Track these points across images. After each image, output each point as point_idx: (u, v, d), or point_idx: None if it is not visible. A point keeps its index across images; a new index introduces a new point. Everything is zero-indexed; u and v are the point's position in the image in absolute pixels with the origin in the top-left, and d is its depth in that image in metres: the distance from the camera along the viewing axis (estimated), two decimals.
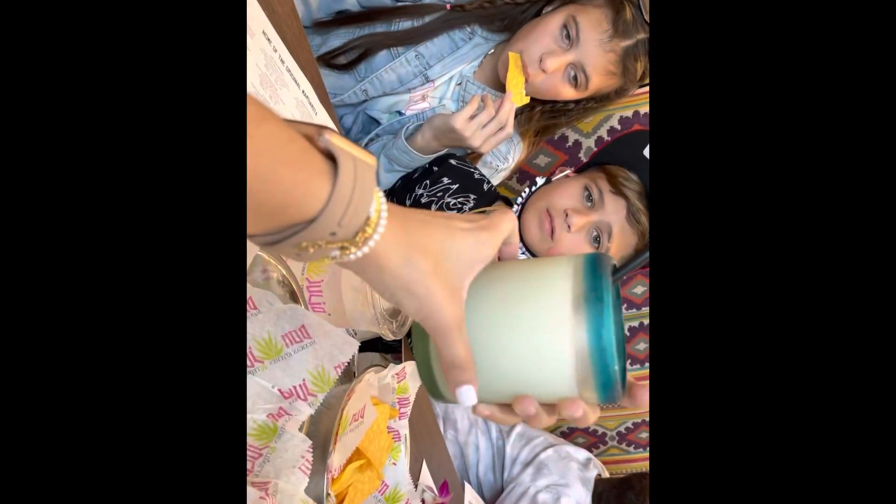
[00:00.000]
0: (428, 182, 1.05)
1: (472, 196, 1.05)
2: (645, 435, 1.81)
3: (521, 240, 1.01)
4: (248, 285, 0.51)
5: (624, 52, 0.95)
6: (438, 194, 1.04)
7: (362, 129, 1.11)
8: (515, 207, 1.03)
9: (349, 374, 0.67)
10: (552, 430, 1.73)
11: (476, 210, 1.05)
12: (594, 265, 0.35)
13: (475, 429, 1.41)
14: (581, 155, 1.43)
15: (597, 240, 0.96)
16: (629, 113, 1.37)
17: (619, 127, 1.39)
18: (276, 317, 0.51)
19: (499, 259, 0.40)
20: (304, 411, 0.51)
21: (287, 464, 0.48)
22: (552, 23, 0.96)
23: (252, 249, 0.51)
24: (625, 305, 1.64)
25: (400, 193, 1.07)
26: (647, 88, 1.19)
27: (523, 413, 0.36)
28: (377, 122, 1.09)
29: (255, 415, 0.50)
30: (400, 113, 1.08)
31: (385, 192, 1.12)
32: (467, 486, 1.09)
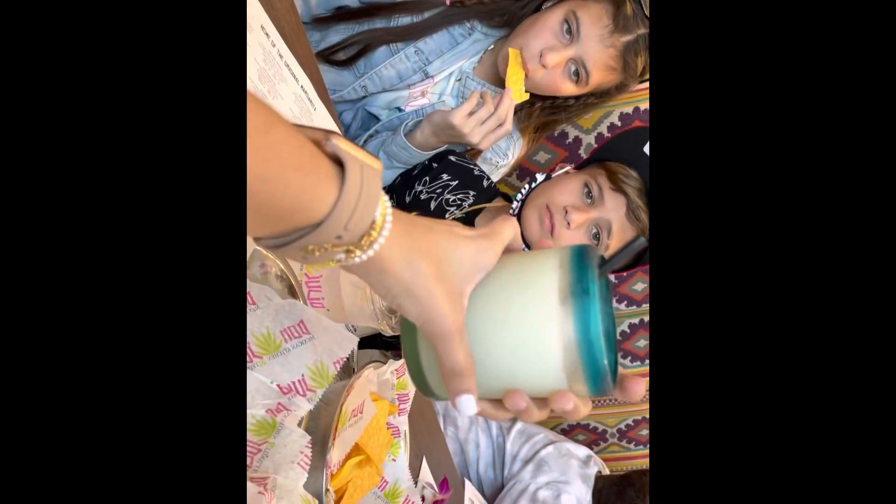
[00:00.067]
0: (427, 178, 1.04)
1: (472, 192, 1.05)
2: (645, 432, 1.81)
3: (522, 237, 1.00)
4: (247, 280, 0.51)
5: (624, 48, 0.94)
6: (438, 191, 1.04)
7: (361, 125, 1.11)
8: (515, 204, 1.02)
9: (348, 370, 0.67)
10: (552, 427, 1.73)
11: (475, 206, 1.05)
12: (580, 257, 0.35)
13: (475, 426, 1.41)
14: (581, 151, 1.43)
15: (596, 237, 0.96)
16: (629, 109, 1.37)
17: (619, 123, 1.39)
18: (275, 312, 0.51)
19: None
20: (303, 407, 0.51)
21: (286, 459, 0.48)
22: (552, 18, 0.95)
23: (250, 244, 0.50)
24: (625, 302, 1.63)
25: (399, 190, 1.06)
26: (647, 84, 1.19)
27: (514, 408, 0.36)
28: (376, 119, 1.09)
29: (254, 410, 0.50)
30: (399, 109, 1.08)
31: (384, 188, 1.12)
32: (467, 483, 1.09)
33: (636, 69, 0.97)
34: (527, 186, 1.03)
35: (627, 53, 0.95)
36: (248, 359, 0.50)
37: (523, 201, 1.02)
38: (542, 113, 1.08)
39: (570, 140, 1.42)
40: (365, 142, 1.08)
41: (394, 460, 0.69)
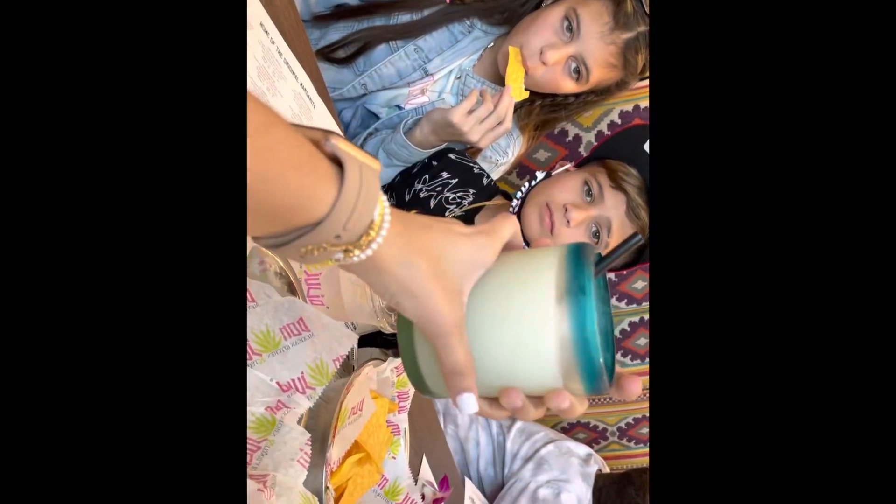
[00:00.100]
0: (427, 177, 1.04)
1: (472, 190, 1.05)
2: (645, 430, 1.81)
3: (522, 234, 1.00)
4: (247, 278, 0.51)
5: (625, 45, 0.94)
6: (437, 189, 1.04)
7: (361, 123, 1.11)
8: (515, 202, 1.02)
9: (348, 368, 0.67)
10: (552, 426, 1.73)
11: (475, 204, 1.04)
12: (577, 255, 0.35)
13: (475, 424, 1.41)
14: (581, 149, 1.43)
15: (596, 235, 0.96)
16: (629, 107, 1.36)
17: (619, 121, 1.38)
18: (274, 309, 0.51)
19: None
20: (303, 404, 0.51)
21: (285, 456, 0.48)
22: (553, 15, 0.95)
23: (249, 241, 0.50)
24: (625, 300, 1.63)
25: (399, 188, 1.06)
26: (647, 82, 1.19)
27: (510, 405, 0.36)
28: (376, 117, 1.09)
29: (254, 408, 0.50)
30: (399, 107, 1.07)
31: (384, 187, 1.12)
32: (468, 482, 1.09)
33: (637, 66, 0.97)
34: (527, 184, 1.03)
35: (628, 51, 0.95)
36: (247, 356, 0.50)
37: (523, 199, 1.01)
38: (542, 111, 1.08)
39: (570, 138, 1.42)
40: (364, 140, 1.08)
41: (394, 458, 0.69)
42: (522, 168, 1.45)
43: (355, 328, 0.66)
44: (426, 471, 0.85)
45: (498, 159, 1.12)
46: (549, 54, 0.94)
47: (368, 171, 0.30)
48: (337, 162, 0.30)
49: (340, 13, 1.03)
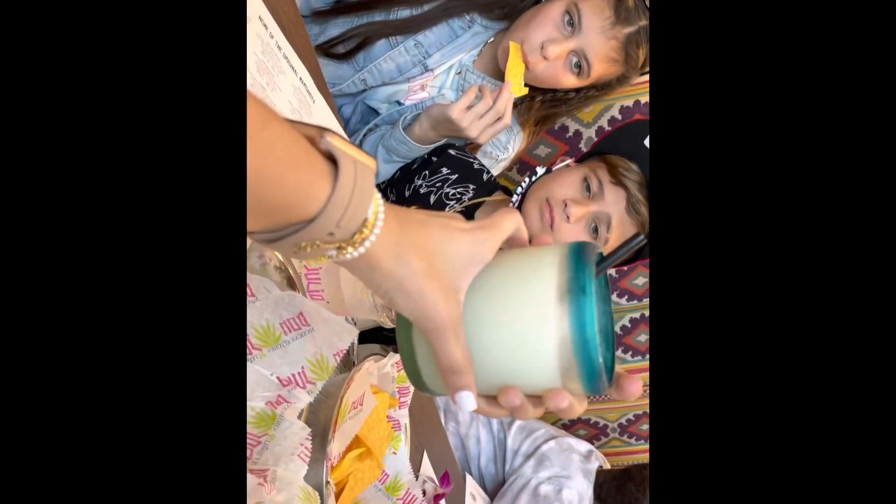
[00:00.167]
0: (427, 172, 1.04)
1: (472, 186, 1.04)
2: (646, 427, 1.81)
3: None
4: (246, 272, 0.51)
5: (626, 39, 0.94)
6: (437, 184, 1.04)
7: (361, 119, 1.10)
8: (515, 197, 1.02)
9: (348, 364, 0.67)
10: (553, 422, 1.73)
11: (475, 199, 1.04)
12: (578, 254, 0.35)
13: (476, 421, 1.41)
14: (581, 145, 1.42)
15: (595, 230, 0.96)
16: (630, 102, 1.36)
17: (619, 117, 1.38)
18: (274, 304, 0.51)
19: None
20: (303, 399, 0.51)
21: (286, 451, 0.48)
22: (554, 10, 0.95)
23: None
24: (625, 297, 1.63)
25: (399, 184, 1.06)
26: (648, 77, 1.18)
27: (508, 404, 0.35)
28: (376, 113, 1.09)
29: (254, 402, 0.50)
30: (399, 103, 1.07)
31: (384, 183, 1.12)
32: (468, 478, 1.08)
33: (638, 61, 0.97)
34: (527, 180, 1.03)
35: (629, 45, 0.94)
36: (247, 351, 0.50)
37: (523, 195, 1.01)
38: (542, 106, 1.08)
39: (570, 134, 1.42)
40: (364, 136, 1.07)
41: (394, 453, 0.69)
42: (523, 164, 1.45)
43: (355, 323, 0.66)
44: (427, 467, 0.85)
45: (498, 155, 1.12)
46: (550, 49, 0.94)
47: (363, 168, 0.30)
48: (332, 159, 0.30)
49: (340, 8, 1.03)
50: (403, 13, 1.01)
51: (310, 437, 0.50)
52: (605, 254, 0.38)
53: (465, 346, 0.34)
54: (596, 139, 1.40)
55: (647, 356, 1.69)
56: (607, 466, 1.43)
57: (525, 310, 0.34)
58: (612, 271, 1.57)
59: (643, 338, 1.67)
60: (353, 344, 0.68)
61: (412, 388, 0.72)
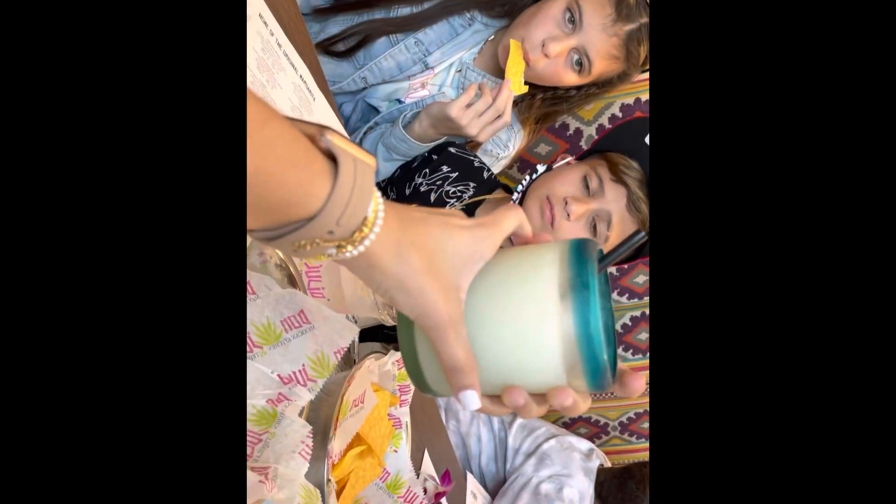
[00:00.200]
0: (427, 171, 1.04)
1: (472, 184, 1.04)
2: (647, 425, 1.81)
3: None
4: (247, 270, 0.51)
5: (627, 36, 0.94)
6: (438, 183, 1.04)
7: (361, 117, 1.10)
8: (516, 195, 1.02)
9: (349, 362, 0.67)
10: (554, 421, 1.73)
11: (476, 197, 1.04)
12: (580, 251, 0.35)
13: (477, 420, 1.41)
14: (582, 143, 1.42)
15: (596, 228, 0.96)
16: (630, 100, 1.36)
17: (620, 114, 1.38)
18: (275, 302, 0.50)
19: None
20: (304, 396, 0.51)
21: (287, 449, 0.48)
22: (555, 7, 0.95)
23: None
24: (626, 295, 1.63)
25: (399, 183, 1.06)
26: (648, 74, 1.18)
27: (512, 404, 0.35)
28: (376, 111, 1.08)
29: (255, 400, 0.50)
30: (399, 101, 1.07)
31: (384, 181, 1.12)
32: (469, 476, 1.08)
33: (639, 58, 0.97)
34: (528, 178, 1.03)
35: (630, 42, 0.94)
36: (248, 349, 0.50)
37: (524, 192, 1.01)
38: (542, 104, 1.08)
39: (570, 132, 1.42)
40: (364, 134, 1.07)
41: (395, 451, 0.68)
42: (523, 162, 1.45)
43: (356, 321, 0.66)
44: (428, 465, 0.85)
45: (499, 153, 1.12)
46: (551, 46, 0.94)
47: (363, 166, 0.30)
48: (332, 157, 0.29)
49: (340, 6, 1.03)
50: (404, 11, 1.01)
51: (311, 435, 0.49)
52: (605, 251, 0.38)
53: (467, 344, 0.34)
54: (596, 137, 1.39)
55: (648, 354, 1.69)
56: (608, 465, 1.43)
57: (528, 307, 0.34)
58: (612, 269, 1.56)
59: (644, 336, 1.67)
60: (353, 342, 0.68)
61: (413, 387, 0.72)
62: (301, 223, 0.29)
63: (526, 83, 0.98)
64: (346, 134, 0.93)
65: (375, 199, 0.31)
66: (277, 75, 0.68)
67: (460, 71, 1.06)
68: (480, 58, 1.07)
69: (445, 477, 0.86)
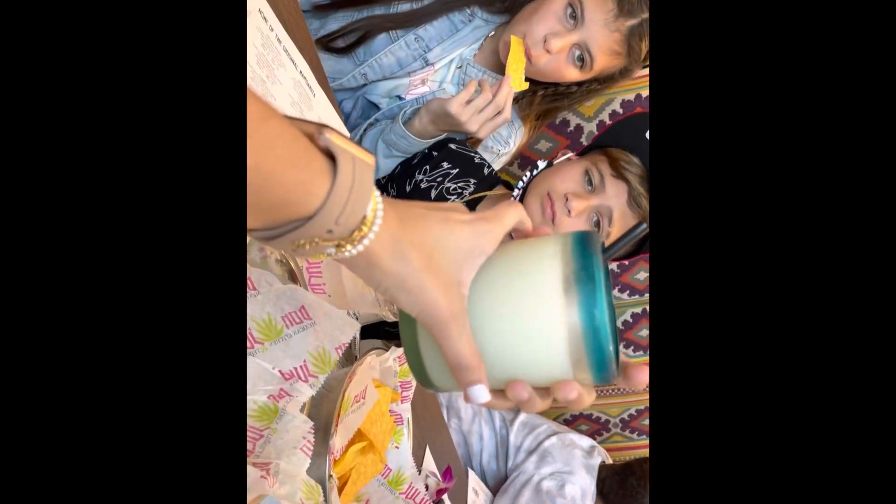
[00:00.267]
0: (427, 167, 1.04)
1: (473, 180, 1.04)
2: (648, 422, 1.81)
3: None
4: (247, 265, 0.51)
5: (629, 32, 0.93)
6: (438, 179, 1.03)
7: (362, 114, 1.10)
8: (516, 191, 1.02)
9: (350, 358, 0.66)
10: (555, 418, 1.73)
11: (476, 194, 1.04)
12: (583, 243, 0.34)
13: (478, 418, 1.41)
14: (583, 139, 1.42)
15: (597, 224, 0.95)
16: (631, 96, 1.36)
17: (621, 111, 1.38)
18: (276, 297, 0.50)
19: None
20: (305, 392, 0.51)
21: (288, 445, 0.48)
22: (556, 3, 0.94)
23: None
24: (627, 292, 1.63)
25: (400, 179, 1.06)
26: (649, 71, 1.18)
27: (516, 398, 0.35)
28: (377, 107, 1.08)
29: (256, 396, 0.50)
30: (400, 97, 1.07)
31: (385, 178, 1.11)
32: (471, 473, 1.09)
33: (640, 53, 0.97)
34: (528, 174, 1.02)
35: (632, 38, 0.94)
36: (249, 345, 0.50)
37: (525, 189, 1.01)
38: (543, 100, 1.08)
39: (571, 128, 1.42)
40: (365, 131, 1.07)
41: (397, 448, 0.68)
42: (524, 159, 1.45)
43: (357, 317, 0.66)
44: (429, 461, 0.85)
45: (499, 149, 1.11)
46: (553, 42, 0.94)
47: (362, 165, 0.30)
48: (331, 156, 0.29)
49: (340, 2, 1.03)
50: (404, 7, 1.01)
51: (312, 431, 0.49)
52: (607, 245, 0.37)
53: (471, 340, 0.34)
54: (597, 133, 1.39)
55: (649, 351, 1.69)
56: (609, 462, 1.43)
57: (531, 301, 0.34)
58: (613, 266, 1.56)
59: (645, 332, 1.67)
60: (355, 338, 0.68)
61: (414, 383, 0.72)
62: (300, 222, 0.29)
63: (527, 79, 0.98)
64: (346, 132, 0.93)
65: (374, 197, 0.31)
66: (277, 71, 0.68)
67: (461, 67, 1.06)
68: (481, 54, 1.06)
69: (447, 473, 0.86)
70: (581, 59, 0.96)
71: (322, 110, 0.78)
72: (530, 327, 0.34)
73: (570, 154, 1.03)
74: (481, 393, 0.34)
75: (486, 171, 1.05)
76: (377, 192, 0.31)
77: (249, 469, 0.43)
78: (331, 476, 0.53)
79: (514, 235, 0.39)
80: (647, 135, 0.97)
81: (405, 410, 0.70)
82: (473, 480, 1.09)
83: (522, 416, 1.43)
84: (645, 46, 0.96)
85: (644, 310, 1.64)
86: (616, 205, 0.94)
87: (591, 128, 1.41)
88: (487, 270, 0.35)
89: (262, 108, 0.27)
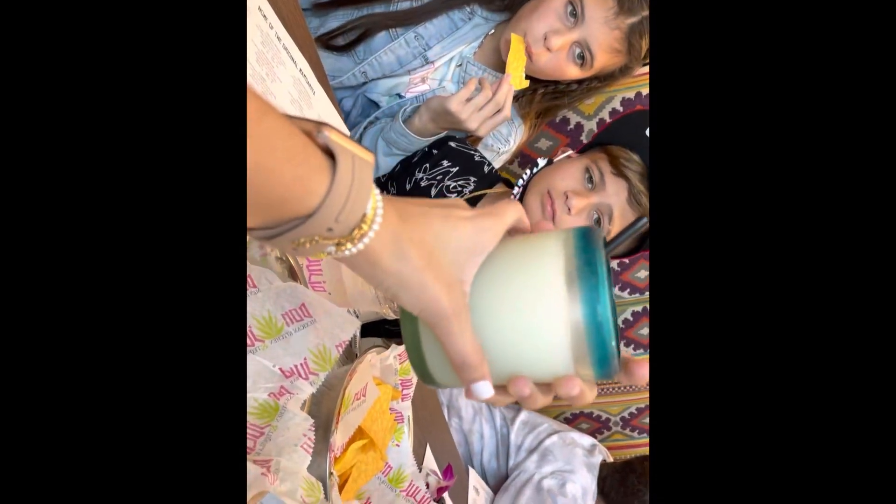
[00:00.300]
0: (427, 165, 1.04)
1: (473, 178, 1.04)
2: (648, 420, 1.81)
3: None
4: (247, 263, 0.51)
5: (629, 29, 0.93)
6: (438, 177, 1.03)
7: (362, 112, 1.10)
8: (517, 189, 1.02)
9: (351, 356, 0.66)
10: (555, 417, 1.73)
11: (476, 192, 1.04)
12: (585, 239, 0.34)
13: (479, 417, 1.41)
14: (583, 138, 1.42)
15: (598, 222, 0.95)
16: (631, 94, 1.36)
17: (621, 108, 1.38)
18: (276, 295, 0.50)
19: None
20: (306, 390, 0.51)
21: (289, 442, 0.48)
22: (556, 0, 0.94)
23: None
24: (627, 290, 1.63)
25: (400, 178, 1.06)
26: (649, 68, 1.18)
27: (518, 394, 0.35)
28: (377, 106, 1.08)
29: (256, 394, 0.50)
30: (400, 96, 1.07)
31: (385, 176, 1.11)
32: (471, 471, 1.09)
33: (641, 51, 0.96)
34: (528, 172, 1.02)
35: (632, 35, 0.94)
36: (249, 342, 0.50)
37: (525, 186, 1.01)
38: (543, 98, 1.07)
39: (571, 126, 1.42)
40: (365, 129, 1.07)
41: (397, 445, 0.68)
42: (524, 157, 1.45)
43: (358, 315, 0.66)
44: (430, 460, 0.85)
45: (500, 147, 1.11)
46: (553, 40, 0.93)
47: (361, 163, 0.30)
48: (330, 154, 0.29)
49: (340, 0, 1.03)
50: (403, 5, 1.00)
51: (313, 428, 0.49)
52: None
53: (473, 337, 0.34)
54: (597, 131, 1.39)
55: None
56: (610, 460, 1.43)
57: (533, 296, 0.34)
58: (613, 264, 1.56)
59: (646, 331, 1.67)
60: (355, 336, 0.68)
61: (415, 381, 0.72)
62: (300, 220, 0.28)
63: (527, 77, 0.98)
64: (346, 130, 0.93)
65: (374, 195, 0.30)
66: (277, 69, 0.68)
67: (461, 65, 1.06)
68: (481, 52, 1.06)
69: (447, 471, 0.86)
70: (581, 56, 0.96)
71: (322, 108, 0.78)
72: (532, 323, 0.33)
73: (570, 152, 1.03)
74: (485, 389, 0.34)
75: (486, 169, 1.05)
76: (377, 191, 0.31)
77: (250, 466, 0.43)
78: (331, 473, 0.53)
79: (513, 234, 0.39)
80: (647, 132, 0.97)
81: (405, 408, 0.70)
82: (474, 479, 1.09)
83: (523, 416, 1.43)
84: (645, 44, 0.96)
85: (644, 308, 1.64)
86: (616, 202, 0.94)
87: (591, 126, 1.41)
88: (489, 267, 0.35)
89: (260, 104, 0.26)
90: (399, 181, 1.05)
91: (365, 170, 0.30)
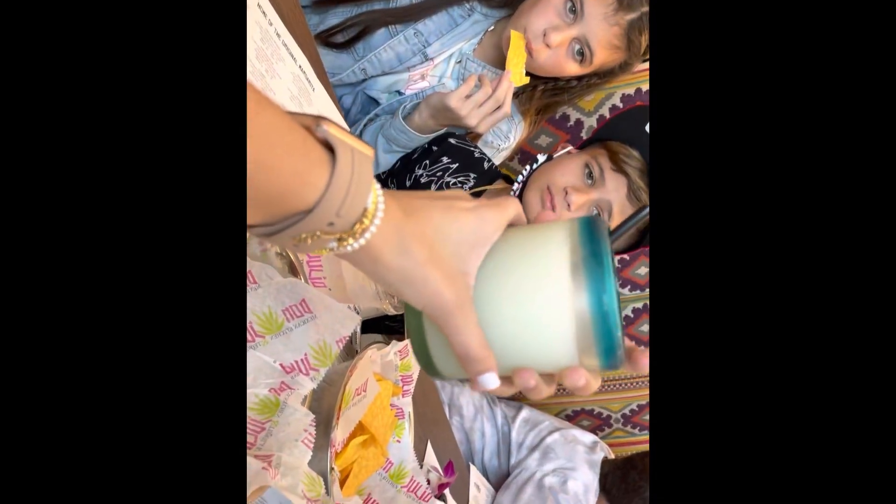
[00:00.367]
0: (427, 162, 1.04)
1: (473, 175, 1.04)
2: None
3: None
4: (247, 259, 0.51)
5: (629, 26, 0.93)
6: (438, 174, 1.03)
7: (361, 109, 1.10)
8: (516, 186, 1.02)
9: (351, 352, 0.66)
10: (556, 414, 1.73)
11: (476, 188, 1.04)
12: (591, 228, 0.34)
13: (480, 415, 1.41)
14: (583, 134, 1.42)
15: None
16: (631, 90, 1.36)
17: (621, 105, 1.38)
18: (276, 291, 0.50)
19: None
20: (307, 385, 0.51)
21: (290, 437, 0.48)
22: None
23: None
24: (628, 287, 1.63)
25: (400, 174, 1.06)
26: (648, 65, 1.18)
27: (522, 385, 0.35)
28: (376, 103, 1.08)
29: (257, 389, 0.50)
30: (399, 92, 1.07)
31: (385, 173, 1.11)
32: (472, 468, 1.09)
33: (640, 47, 0.96)
34: (528, 168, 1.02)
35: (632, 31, 0.94)
36: (250, 338, 0.50)
37: (525, 182, 1.01)
38: (543, 95, 1.07)
39: (571, 123, 1.42)
40: (364, 126, 1.07)
41: (398, 441, 0.68)
42: (524, 154, 1.45)
43: (358, 311, 0.66)
44: (431, 456, 0.85)
45: (500, 144, 1.11)
46: (552, 36, 0.93)
47: (361, 156, 0.29)
48: (329, 148, 0.29)
49: None
50: (403, 1, 1.00)
51: (313, 424, 0.49)
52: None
53: (478, 329, 0.33)
54: (597, 128, 1.39)
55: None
56: (612, 457, 1.43)
57: (538, 286, 0.33)
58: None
59: (646, 328, 1.67)
60: (355, 332, 0.68)
61: (416, 377, 0.72)
62: (300, 216, 0.28)
63: (527, 74, 0.98)
64: (345, 125, 0.93)
65: (375, 190, 0.30)
66: (276, 65, 0.68)
67: (460, 62, 1.06)
68: (480, 48, 1.06)
69: (449, 468, 0.86)
70: (581, 53, 0.96)
71: (321, 105, 0.78)
72: (538, 314, 0.33)
73: (569, 147, 1.03)
74: (491, 380, 0.34)
75: (485, 165, 1.05)
76: (377, 185, 0.31)
77: (251, 461, 0.43)
78: (332, 469, 0.53)
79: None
80: (647, 128, 0.97)
81: (406, 404, 0.70)
82: (475, 476, 1.09)
83: (524, 413, 1.43)
84: (645, 40, 0.96)
85: (645, 305, 1.64)
86: (616, 198, 0.94)
87: (591, 122, 1.41)
88: (493, 258, 0.35)
89: (258, 98, 0.26)
90: (399, 178, 1.06)
91: (364, 163, 0.30)
